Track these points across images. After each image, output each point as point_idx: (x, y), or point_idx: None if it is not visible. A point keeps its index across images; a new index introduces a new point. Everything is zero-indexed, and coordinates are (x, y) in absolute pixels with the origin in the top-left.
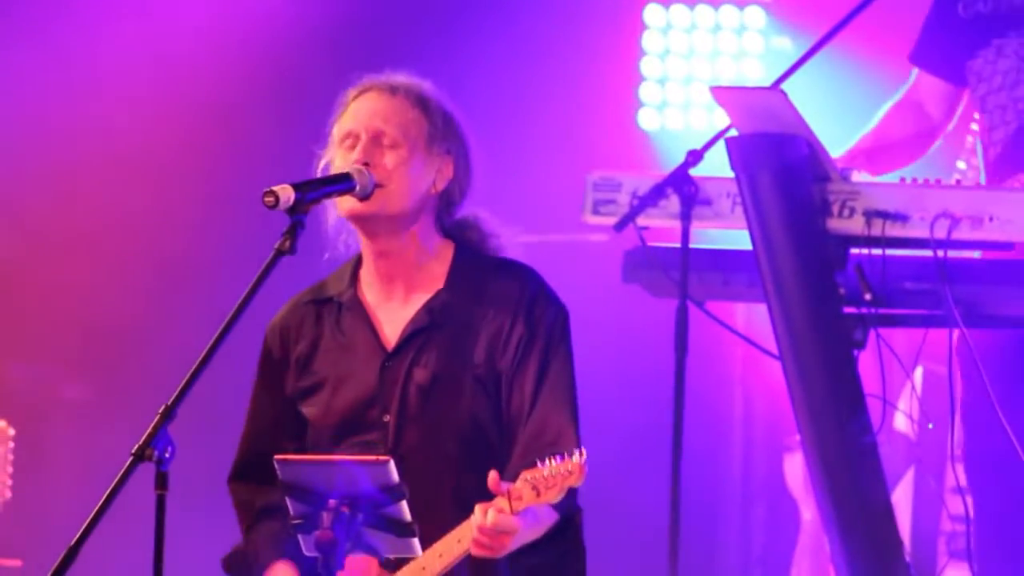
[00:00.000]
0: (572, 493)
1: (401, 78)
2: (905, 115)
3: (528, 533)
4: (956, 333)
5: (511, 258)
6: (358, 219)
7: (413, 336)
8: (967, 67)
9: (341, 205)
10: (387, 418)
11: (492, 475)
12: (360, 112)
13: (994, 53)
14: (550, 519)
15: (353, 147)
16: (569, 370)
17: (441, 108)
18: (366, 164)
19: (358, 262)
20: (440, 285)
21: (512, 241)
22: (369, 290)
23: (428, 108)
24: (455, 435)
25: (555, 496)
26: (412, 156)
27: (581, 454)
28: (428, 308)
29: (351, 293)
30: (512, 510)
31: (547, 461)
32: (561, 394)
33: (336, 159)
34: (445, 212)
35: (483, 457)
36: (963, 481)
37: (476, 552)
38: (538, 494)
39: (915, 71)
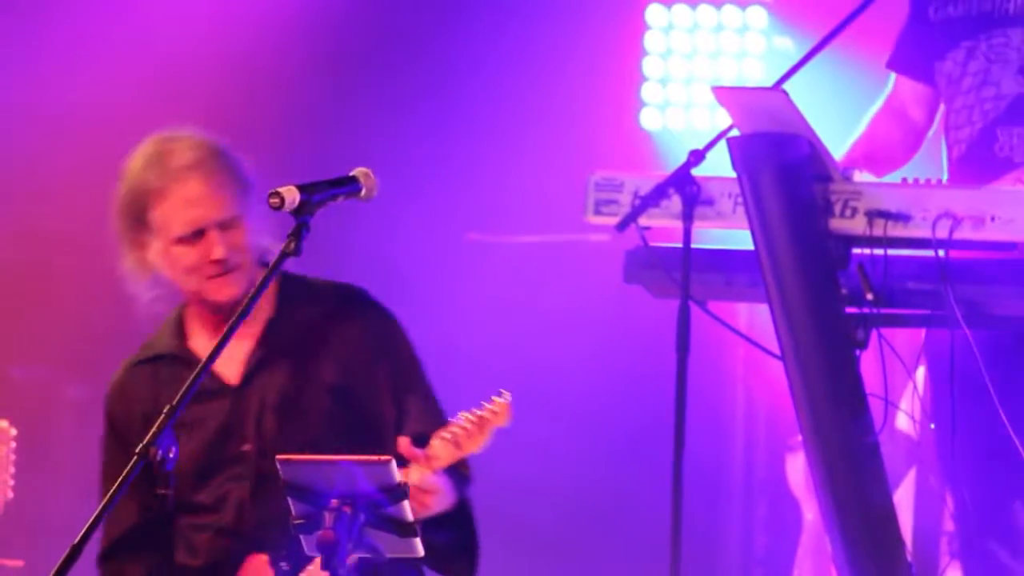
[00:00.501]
0: (466, 476)
1: (194, 145)
2: (889, 121)
3: (444, 498)
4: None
5: (331, 280)
6: (226, 304)
7: (257, 367)
8: (936, 68)
9: (212, 294)
10: (246, 447)
11: (403, 440)
12: (194, 204)
13: (964, 55)
14: (452, 496)
15: (198, 240)
16: (416, 361)
17: (240, 163)
18: (220, 261)
19: (181, 314)
20: (270, 314)
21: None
22: (199, 339)
23: (234, 169)
24: (314, 446)
25: (479, 444)
26: (248, 225)
27: (505, 394)
28: (264, 339)
29: (179, 346)
30: (431, 469)
31: (459, 416)
32: (419, 388)
33: (175, 255)
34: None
35: None
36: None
37: None
38: (459, 446)
39: (893, 76)
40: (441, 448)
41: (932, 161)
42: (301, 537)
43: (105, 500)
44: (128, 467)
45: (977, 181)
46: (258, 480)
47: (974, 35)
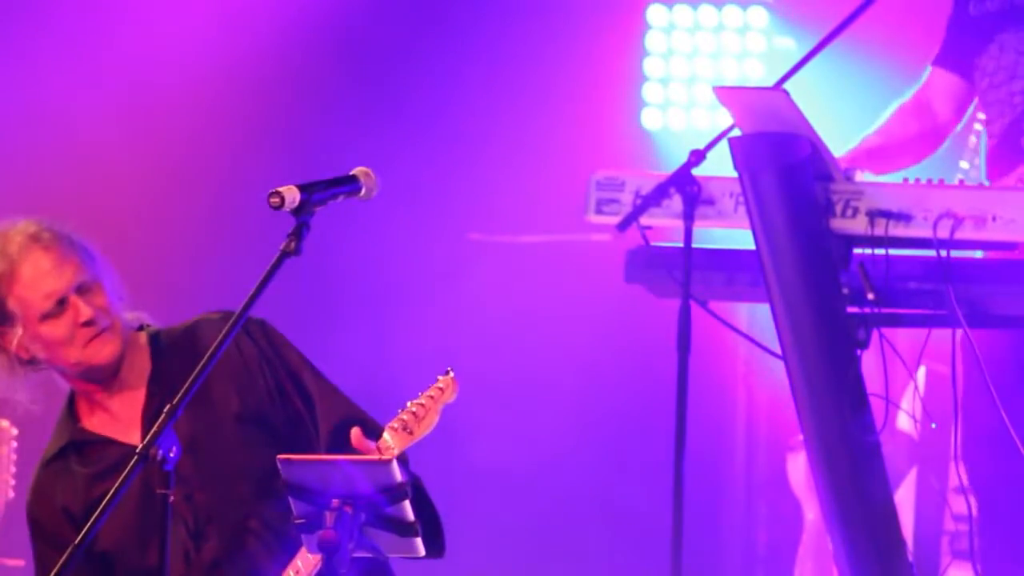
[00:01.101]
0: (406, 460)
1: (30, 225)
2: (912, 114)
3: None
4: (959, 331)
5: (188, 321)
6: (108, 365)
7: (153, 421)
8: (975, 64)
9: (92, 357)
10: (171, 499)
11: (355, 432)
12: (46, 275)
13: (997, 49)
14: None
15: (62, 310)
16: (301, 355)
17: (71, 233)
18: (90, 323)
19: (69, 404)
20: (148, 370)
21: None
22: (91, 419)
23: (71, 239)
24: (239, 475)
25: (430, 425)
26: (104, 286)
27: (448, 370)
28: (151, 393)
29: (77, 430)
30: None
31: (406, 404)
32: (317, 378)
33: (46, 332)
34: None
35: (275, 482)
36: (966, 481)
37: None
38: (411, 432)
39: (928, 70)
40: (393, 437)
41: (935, 161)
42: (303, 537)
43: (105, 501)
44: (127, 469)
45: (1006, 175)
46: (195, 523)
47: (1008, 28)
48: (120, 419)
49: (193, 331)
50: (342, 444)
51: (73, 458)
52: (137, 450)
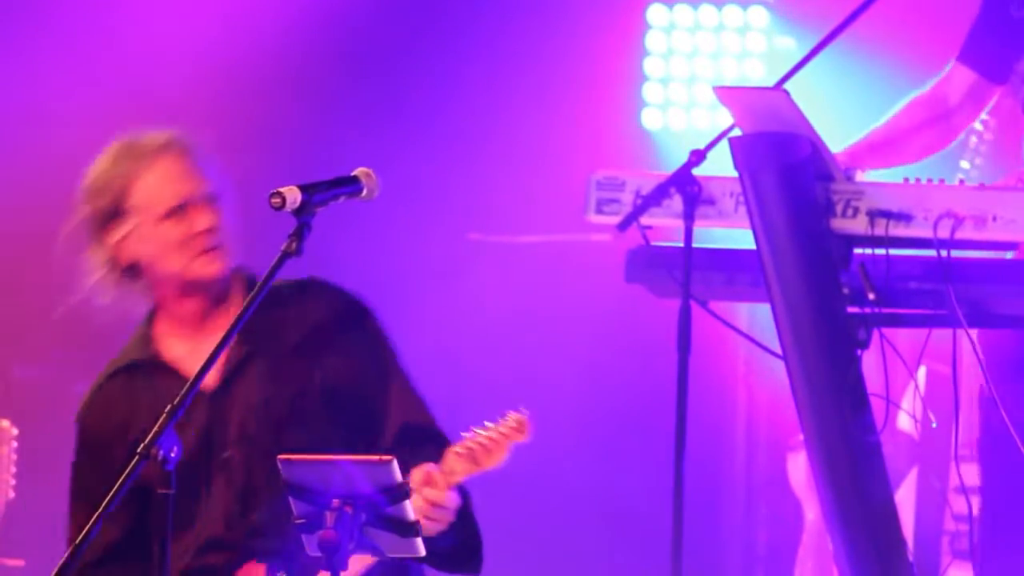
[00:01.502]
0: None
1: (170, 134)
2: (925, 108)
3: (455, 511)
4: (976, 331)
5: (294, 278)
6: (212, 283)
7: (235, 370)
8: (1015, 68)
9: (200, 269)
10: (229, 454)
11: (418, 470)
12: (177, 178)
13: None
14: (459, 503)
15: (184, 215)
16: (391, 346)
17: (210, 154)
18: (206, 233)
19: (149, 323)
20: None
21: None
22: (171, 345)
23: (209, 158)
24: (308, 451)
25: (500, 458)
26: (226, 207)
27: (523, 410)
28: (240, 341)
29: (151, 353)
30: (447, 485)
31: (472, 431)
32: (399, 375)
33: (161, 233)
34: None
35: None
36: (967, 480)
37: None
38: (476, 462)
39: (950, 65)
40: (457, 463)
41: (936, 161)
42: (303, 537)
43: (106, 500)
44: (128, 469)
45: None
46: (245, 486)
47: None
48: (197, 357)
49: (291, 293)
50: (405, 444)
51: (140, 379)
52: (138, 450)
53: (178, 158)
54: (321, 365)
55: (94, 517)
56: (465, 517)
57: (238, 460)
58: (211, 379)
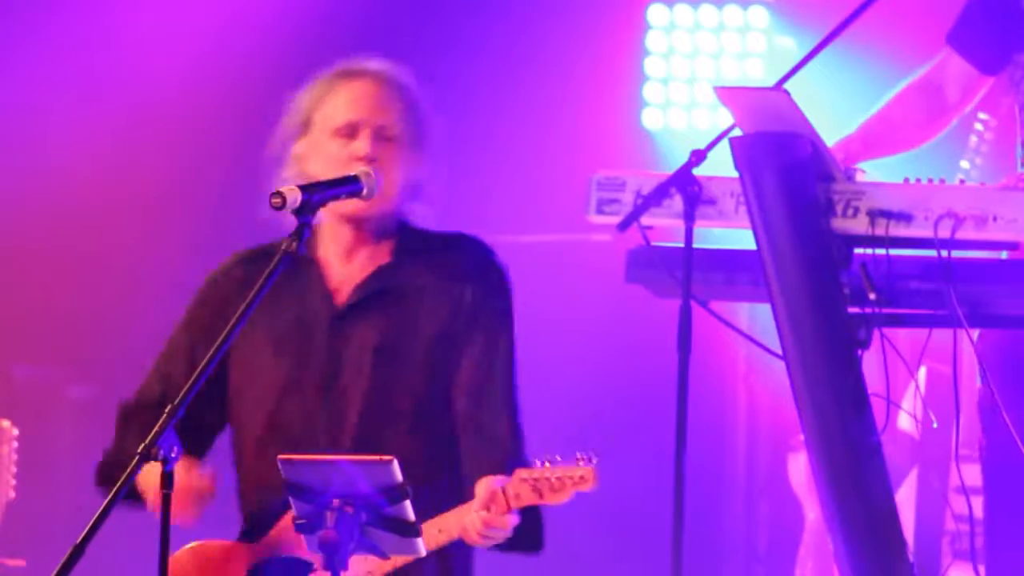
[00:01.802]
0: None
1: (383, 66)
2: (919, 96)
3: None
4: (976, 332)
5: (451, 231)
6: (355, 221)
7: (363, 300)
8: (1015, 59)
9: (340, 207)
10: (335, 379)
11: (484, 482)
12: (359, 101)
13: None
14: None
15: (352, 137)
16: (511, 336)
17: (424, 99)
18: (371, 160)
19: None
20: (387, 260)
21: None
22: (326, 249)
23: (414, 101)
24: (405, 395)
25: (563, 499)
26: (406, 151)
27: (593, 459)
28: (378, 274)
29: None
30: (509, 508)
31: (543, 464)
32: (504, 367)
33: (328, 147)
34: (412, 201)
35: (431, 415)
36: (968, 480)
37: (470, 542)
38: (540, 495)
39: (944, 52)
40: (523, 488)
41: (936, 161)
42: (303, 536)
43: (108, 499)
44: (128, 469)
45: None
46: (358, 419)
47: None
48: (344, 272)
49: (446, 243)
50: (471, 432)
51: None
52: (138, 450)
53: (369, 85)
54: (439, 321)
55: (95, 516)
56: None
57: (343, 387)
58: (340, 297)
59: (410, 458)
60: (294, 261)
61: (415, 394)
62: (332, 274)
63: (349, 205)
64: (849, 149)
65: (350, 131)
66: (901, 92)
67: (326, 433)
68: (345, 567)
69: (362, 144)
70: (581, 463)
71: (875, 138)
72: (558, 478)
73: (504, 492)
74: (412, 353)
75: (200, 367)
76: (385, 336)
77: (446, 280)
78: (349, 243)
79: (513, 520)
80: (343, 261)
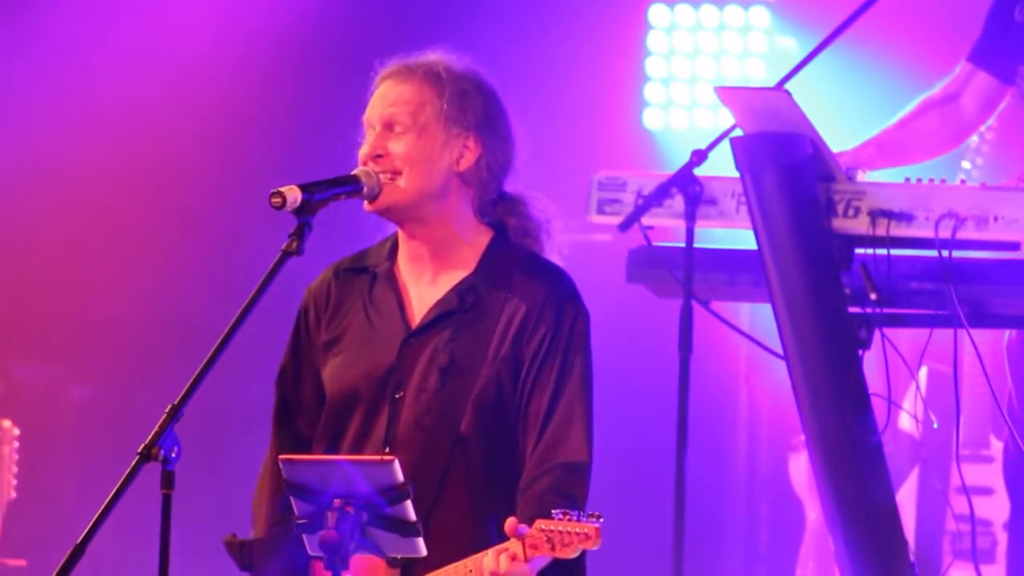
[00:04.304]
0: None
1: (423, 57)
2: (937, 109)
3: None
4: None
5: (545, 257)
6: (380, 214)
7: (439, 317)
8: (1018, 71)
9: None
10: (399, 395)
11: (510, 521)
12: (375, 101)
13: None
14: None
15: (368, 138)
16: (589, 374)
17: (461, 83)
18: (378, 156)
19: (398, 236)
20: (470, 269)
21: (557, 226)
22: (404, 266)
23: (443, 86)
24: (467, 418)
25: (570, 554)
26: (422, 139)
27: (599, 517)
28: (457, 291)
29: (388, 266)
30: (526, 557)
31: (561, 514)
32: (580, 400)
33: (362, 150)
34: (483, 191)
35: (492, 440)
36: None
37: None
38: (553, 548)
39: (961, 65)
40: (538, 541)
41: (937, 161)
42: (304, 536)
43: (108, 500)
44: (128, 469)
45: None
46: (401, 435)
47: None
48: (420, 289)
49: (531, 267)
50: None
51: (363, 286)
52: (139, 450)
53: (394, 81)
54: (511, 341)
55: (94, 518)
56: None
57: (407, 405)
58: (418, 316)
59: (471, 479)
60: (376, 277)
61: (475, 414)
62: (408, 293)
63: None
64: (861, 157)
65: (370, 130)
66: (920, 106)
67: (382, 444)
68: (346, 567)
69: (373, 142)
70: (591, 519)
71: (891, 148)
72: (568, 533)
73: (524, 540)
74: (477, 374)
75: (201, 366)
76: (453, 357)
77: (526, 305)
78: (415, 250)
79: (530, 571)
80: (416, 277)
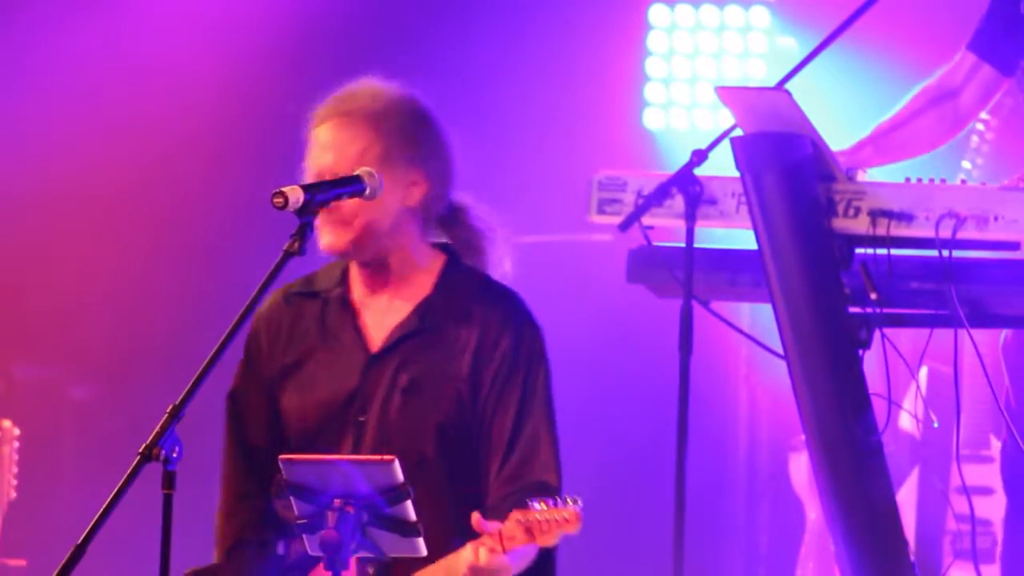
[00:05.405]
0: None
1: (357, 94)
2: (933, 99)
3: (515, 568)
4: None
5: (498, 281)
6: (338, 256)
7: (401, 339)
8: (1019, 64)
9: (321, 241)
10: (362, 418)
11: (475, 516)
12: (313, 149)
13: None
14: (533, 551)
15: None
16: (549, 393)
17: (400, 120)
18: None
19: (346, 267)
20: (427, 292)
21: (501, 234)
22: (357, 291)
23: (381, 126)
24: (431, 439)
25: (551, 541)
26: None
27: (576, 501)
28: (418, 312)
29: (340, 291)
30: (504, 550)
31: (538, 503)
32: (544, 421)
33: None
34: (430, 214)
35: (456, 462)
36: (969, 480)
37: None
38: (532, 537)
39: (962, 54)
40: (516, 532)
41: (937, 161)
42: (304, 536)
43: (107, 501)
44: (129, 469)
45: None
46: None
47: None
48: (376, 313)
49: (487, 291)
50: (506, 482)
51: (315, 311)
52: (140, 450)
53: (329, 127)
54: (470, 363)
55: (94, 519)
56: (541, 566)
57: (371, 427)
58: (377, 340)
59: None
60: (328, 302)
61: (439, 435)
62: (364, 317)
63: (326, 239)
64: (860, 154)
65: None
66: (915, 98)
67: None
68: (346, 567)
69: None
70: (570, 504)
71: (889, 143)
72: (546, 520)
73: (500, 534)
74: (441, 394)
75: (203, 366)
76: (416, 378)
77: (484, 326)
78: (370, 277)
79: (510, 564)
80: (372, 302)
